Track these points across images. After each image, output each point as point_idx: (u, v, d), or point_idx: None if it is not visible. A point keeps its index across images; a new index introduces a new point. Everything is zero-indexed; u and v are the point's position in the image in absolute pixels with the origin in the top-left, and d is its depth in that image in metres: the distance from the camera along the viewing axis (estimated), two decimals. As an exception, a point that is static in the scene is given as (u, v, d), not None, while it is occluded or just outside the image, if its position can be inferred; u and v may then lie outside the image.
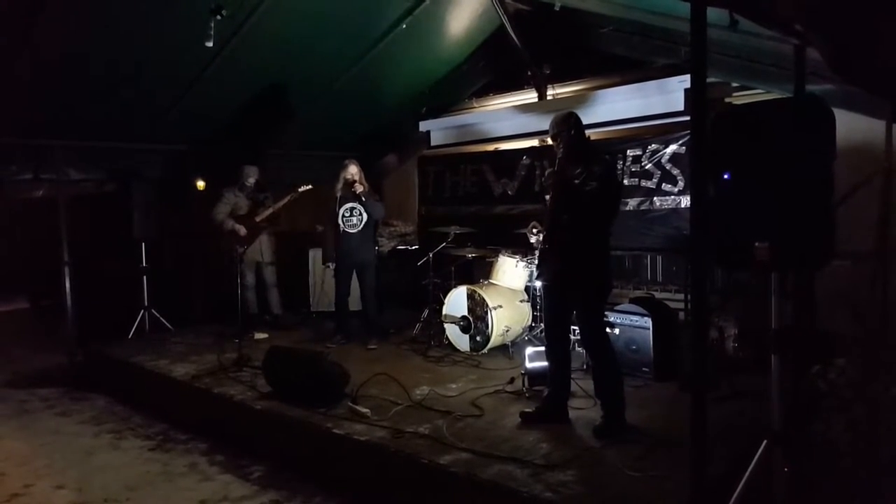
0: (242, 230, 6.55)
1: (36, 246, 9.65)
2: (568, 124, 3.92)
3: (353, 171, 6.01)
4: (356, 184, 5.96)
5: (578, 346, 4.85)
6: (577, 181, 3.77)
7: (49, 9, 4.83)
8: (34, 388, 6.11)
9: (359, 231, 6.04)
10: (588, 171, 3.75)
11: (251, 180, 6.73)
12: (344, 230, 6.06)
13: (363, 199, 5.97)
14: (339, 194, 6.08)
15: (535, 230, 4.24)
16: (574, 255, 3.85)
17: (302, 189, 6.49)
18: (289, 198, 6.56)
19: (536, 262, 4.56)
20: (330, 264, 6.27)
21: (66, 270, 6.60)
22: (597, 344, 3.97)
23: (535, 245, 4.46)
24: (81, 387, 6.08)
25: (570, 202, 3.82)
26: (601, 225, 3.90)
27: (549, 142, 4.09)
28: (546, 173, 4.31)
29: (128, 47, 5.46)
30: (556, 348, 4.09)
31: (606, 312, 4.83)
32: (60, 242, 6.59)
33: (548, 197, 4.02)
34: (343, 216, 6.05)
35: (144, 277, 7.09)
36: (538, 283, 5.52)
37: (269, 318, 6.99)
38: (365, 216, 6.03)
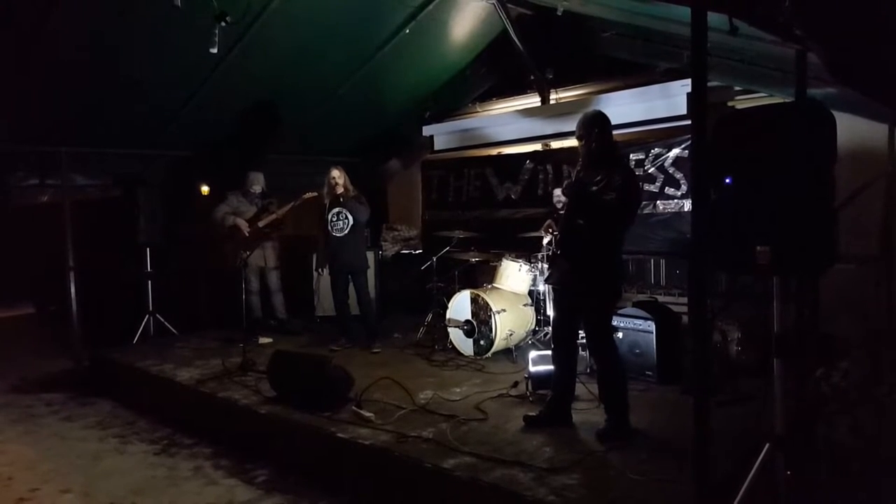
0: (244, 224, 6.57)
1: (41, 251, 9.67)
2: (594, 126, 3.81)
3: (334, 174, 6.07)
4: (337, 186, 6.02)
5: (583, 350, 4.85)
6: (595, 188, 3.71)
7: (55, 17, 4.88)
8: (40, 393, 6.13)
9: (346, 235, 6.08)
10: (608, 180, 3.68)
11: (256, 187, 6.76)
12: (332, 234, 6.11)
13: (341, 200, 6.02)
14: (326, 200, 6.15)
15: (550, 229, 4.18)
16: (586, 261, 3.82)
17: (306, 196, 6.51)
18: (291, 205, 6.59)
19: (547, 264, 4.52)
20: (320, 270, 6.30)
21: (72, 276, 6.64)
22: (604, 349, 3.96)
23: (548, 244, 4.40)
24: (87, 392, 6.10)
25: (585, 209, 3.78)
26: (616, 233, 3.85)
27: (574, 142, 3.94)
28: (565, 183, 4.23)
29: (133, 53, 5.50)
30: (563, 352, 4.08)
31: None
32: (66, 247, 6.63)
33: (556, 199, 3.97)
34: (330, 221, 6.11)
35: (149, 282, 7.12)
36: (547, 286, 5.51)
37: (273, 322, 7.01)
38: (350, 220, 6.06)
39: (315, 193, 6.52)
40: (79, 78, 5.56)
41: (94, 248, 7.19)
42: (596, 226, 3.77)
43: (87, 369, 6.51)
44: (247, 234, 6.55)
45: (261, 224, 6.65)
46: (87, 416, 5.50)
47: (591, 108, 4.00)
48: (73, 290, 6.63)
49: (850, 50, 2.38)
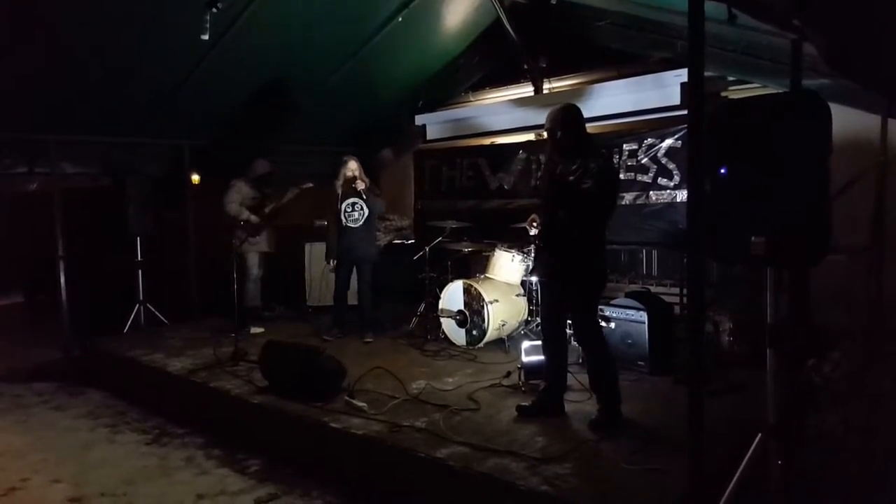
0: (257, 219, 6.50)
1: (31, 240, 9.58)
2: (564, 118, 3.87)
3: (353, 167, 6.03)
4: (357, 180, 5.98)
5: (574, 340, 4.86)
6: (572, 178, 3.74)
7: (43, 3, 4.80)
8: (30, 383, 6.09)
9: (360, 226, 6.06)
10: (584, 168, 3.71)
11: (260, 173, 6.61)
12: (346, 225, 6.07)
13: (364, 195, 5.98)
14: (339, 190, 6.08)
15: (534, 223, 4.21)
16: (569, 251, 3.83)
17: (304, 187, 6.48)
18: (289, 195, 6.52)
19: (532, 256, 4.53)
20: (331, 261, 6.25)
21: (61, 265, 6.59)
22: (591, 338, 3.97)
23: (534, 238, 4.43)
24: (77, 381, 6.07)
25: (565, 199, 3.79)
26: (597, 222, 3.87)
27: (545, 135, 4.05)
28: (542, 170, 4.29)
29: (122, 40, 5.43)
30: (552, 342, 4.10)
31: (602, 306, 4.85)
32: (55, 237, 6.57)
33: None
34: (345, 211, 6.06)
35: (140, 272, 7.07)
36: (534, 278, 5.52)
37: (268, 314, 6.99)
38: (366, 211, 6.04)
39: (311, 185, 6.49)
40: (67, 65, 5.48)
41: (84, 237, 7.13)
42: (576, 216, 3.77)
43: (77, 359, 6.47)
44: (255, 224, 6.50)
45: (266, 211, 6.57)
46: (77, 405, 5.47)
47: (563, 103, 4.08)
48: (62, 279, 6.58)
49: (849, 39, 2.37)
